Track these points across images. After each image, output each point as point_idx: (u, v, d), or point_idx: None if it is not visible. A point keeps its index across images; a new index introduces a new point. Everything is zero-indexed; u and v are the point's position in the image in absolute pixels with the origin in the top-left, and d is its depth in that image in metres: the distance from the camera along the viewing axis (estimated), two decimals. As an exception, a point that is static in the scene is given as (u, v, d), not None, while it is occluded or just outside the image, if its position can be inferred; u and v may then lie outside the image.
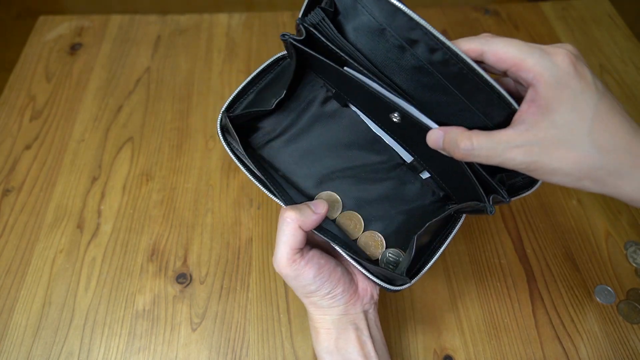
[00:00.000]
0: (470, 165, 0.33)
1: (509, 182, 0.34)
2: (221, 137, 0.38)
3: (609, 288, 0.49)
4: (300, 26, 0.34)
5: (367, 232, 0.40)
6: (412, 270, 0.35)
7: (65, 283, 0.49)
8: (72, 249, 0.51)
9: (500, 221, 0.54)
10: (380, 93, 0.34)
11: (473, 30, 0.74)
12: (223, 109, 0.37)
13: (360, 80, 0.34)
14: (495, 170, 0.33)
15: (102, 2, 1.76)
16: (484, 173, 0.33)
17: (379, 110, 0.37)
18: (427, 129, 0.33)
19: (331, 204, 0.40)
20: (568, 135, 0.27)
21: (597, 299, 0.48)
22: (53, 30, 0.73)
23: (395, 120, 0.35)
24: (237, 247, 0.52)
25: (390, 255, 0.39)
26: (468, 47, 0.30)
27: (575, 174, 0.28)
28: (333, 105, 0.41)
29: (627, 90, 0.66)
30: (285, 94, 0.38)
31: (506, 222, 0.54)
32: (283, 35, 0.35)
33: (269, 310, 0.48)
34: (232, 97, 0.39)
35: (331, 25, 0.34)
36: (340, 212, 0.40)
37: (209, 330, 0.46)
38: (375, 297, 0.38)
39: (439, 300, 0.48)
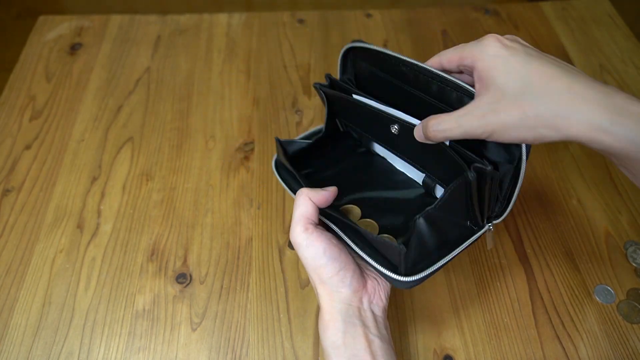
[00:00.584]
0: (456, 150, 0.38)
1: (503, 192, 0.38)
2: (275, 171, 0.47)
3: (609, 288, 0.49)
4: (326, 77, 0.47)
5: (382, 235, 0.41)
6: (419, 268, 0.37)
7: (65, 283, 0.49)
8: (72, 249, 0.51)
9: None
10: (378, 109, 0.42)
11: (473, 30, 0.75)
12: (279, 141, 0.45)
13: (361, 102, 0.43)
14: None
15: (102, 2, 1.76)
16: (467, 152, 0.37)
17: (382, 127, 0.43)
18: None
19: (352, 213, 0.44)
20: (509, 93, 0.31)
21: (597, 298, 0.48)
22: (53, 30, 0.73)
23: (395, 132, 0.42)
24: (237, 247, 0.52)
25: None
26: (432, 61, 0.39)
27: (526, 124, 0.31)
28: (364, 154, 0.50)
29: (627, 90, 0.66)
30: (324, 133, 0.48)
31: (506, 222, 0.54)
32: (315, 84, 0.47)
33: (269, 310, 0.48)
34: (298, 137, 0.50)
35: (352, 81, 0.48)
36: (358, 218, 0.44)
37: (209, 330, 0.46)
38: (384, 302, 0.39)
39: (439, 300, 0.48)
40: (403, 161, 0.46)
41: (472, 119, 0.33)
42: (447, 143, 0.38)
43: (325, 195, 0.38)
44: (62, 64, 0.69)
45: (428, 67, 0.39)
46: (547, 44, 0.73)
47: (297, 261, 0.51)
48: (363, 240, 0.39)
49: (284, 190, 0.56)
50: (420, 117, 0.39)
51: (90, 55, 0.70)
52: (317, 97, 0.65)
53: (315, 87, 0.46)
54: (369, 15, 0.76)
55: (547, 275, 0.50)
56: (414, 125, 0.39)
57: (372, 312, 0.37)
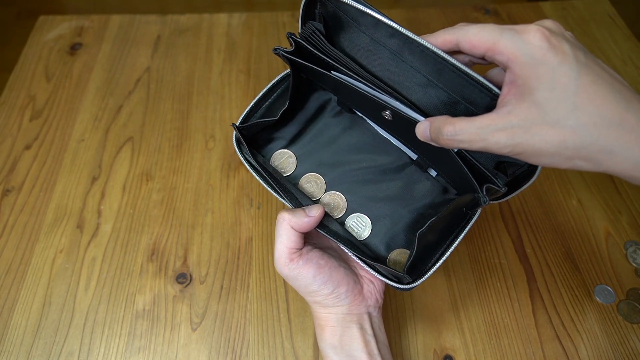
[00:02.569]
0: (464, 157, 0.33)
1: (510, 171, 0.34)
2: (237, 150, 0.40)
3: (609, 288, 0.49)
4: (290, 39, 0.38)
5: (372, 235, 0.40)
6: (421, 269, 0.36)
7: (65, 283, 0.49)
8: (72, 249, 0.51)
9: (500, 221, 0.54)
10: (369, 93, 0.35)
11: (473, 30, 0.74)
12: (237, 123, 0.39)
13: (348, 82, 0.36)
14: (496, 162, 0.34)
15: (102, 2, 1.76)
16: (477, 163, 0.33)
17: (373, 110, 0.38)
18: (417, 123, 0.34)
19: (334, 205, 0.41)
20: (550, 114, 0.26)
21: (597, 298, 0.48)
22: (53, 30, 0.73)
23: (387, 118, 0.36)
24: (237, 247, 0.52)
25: (397, 255, 0.39)
26: (443, 38, 0.30)
27: (563, 154, 0.26)
28: (340, 112, 0.43)
29: (627, 90, 0.66)
30: (289, 104, 0.40)
31: (506, 222, 0.54)
32: (275, 49, 0.38)
33: (269, 310, 0.48)
34: (244, 113, 0.41)
35: (321, 37, 0.37)
36: (344, 212, 0.41)
37: (209, 330, 0.46)
38: (380, 301, 0.38)
39: (439, 300, 0.48)
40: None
41: (499, 136, 0.27)
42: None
43: (308, 222, 0.34)
44: (62, 64, 0.69)
45: (431, 47, 0.32)
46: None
47: (297, 261, 0.51)
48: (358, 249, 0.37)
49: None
50: (420, 103, 0.35)
51: (90, 55, 0.70)
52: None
53: (276, 53, 0.39)
54: (369, 15, 0.76)
55: (547, 275, 0.50)
56: (409, 116, 0.34)
57: (369, 314, 0.37)
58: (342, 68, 0.36)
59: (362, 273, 0.39)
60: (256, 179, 0.39)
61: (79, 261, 0.50)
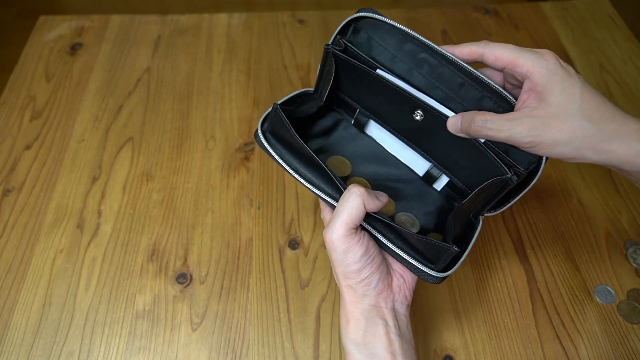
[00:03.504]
0: (486, 147, 0.37)
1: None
2: (263, 139, 0.41)
3: (609, 288, 0.49)
4: (341, 41, 0.42)
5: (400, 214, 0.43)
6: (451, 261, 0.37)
7: (66, 283, 0.49)
8: (72, 249, 0.51)
9: (500, 221, 0.54)
10: (408, 91, 0.39)
11: (473, 30, 0.74)
12: (277, 104, 0.39)
13: (390, 80, 0.40)
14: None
15: (102, 2, 1.76)
16: (495, 156, 0.37)
17: (402, 112, 0.41)
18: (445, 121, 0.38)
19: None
20: (563, 112, 0.34)
21: (597, 299, 0.48)
22: (53, 30, 0.73)
23: (417, 118, 0.40)
24: (237, 247, 0.52)
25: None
26: (469, 49, 0.38)
27: (573, 143, 0.33)
28: (352, 130, 0.47)
29: (627, 90, 0.66)
30: (324, 103, 0.44)
31: (506, 222, 0.54)
32: (327, 45, 0.41)
33: (269, 310, 0.48)
34: (283, 100, 0.43)
35: (355, 49, 0.42)
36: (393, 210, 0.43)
37: (209, 330, 0.46)
38: (409, 297, 0.39)
39: (439, 300, 0.48)
40: (400, 148, 0.45)
41: (522, 127, 0.34)
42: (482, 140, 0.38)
43: (378, 204, 0.36)
44: (62, 64, 0.69)
45: (456, 60, 0.37)
46: (547, 44, 0.73)
47: (297, 261, 0.51)
48: (396, 236, 0.38)
49: (284, 190, 0.56)
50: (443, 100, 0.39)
51: (90, 55, 0.70)
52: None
53: (327, 50, 0.41)
54: (369, 15, 0.76)
55: (547, 275, 0.50)
56: (442, 114, 0.38)
57: (395, 311, 0.37)
58: (385, 70, 0.41)
59: (394, 267, 0.39)
60: (281, 166, 0.40)
61: (79, 261, 0.50)
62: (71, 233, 0.52)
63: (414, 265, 0.37)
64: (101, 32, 0.73)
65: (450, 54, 0.38)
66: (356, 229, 0.36)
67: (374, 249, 0.37)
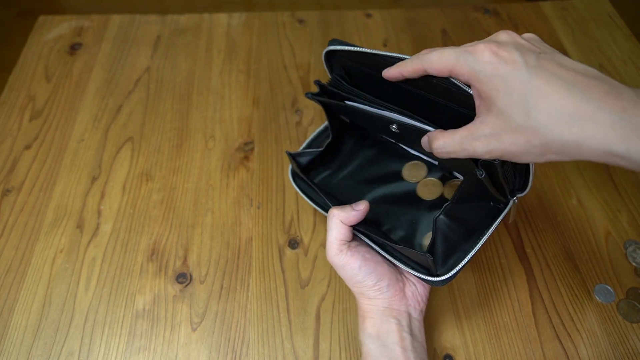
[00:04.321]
0: None
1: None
2: (292, 181, 0.50)
3: (609, 287, 0.49)
4: (317, 84, 0.45)
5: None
6: (452, 263, 0.38)
7: (65, 283, 0.49)
8: (72, 248, 0.51)
9: (500, 221, 0.54)
10: (375, 112, 0.41)
11: (473, 30, 0.75)
12: (297, 151, 0.48)
13: (356, 107, 0.42)
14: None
15: (102, 2, 1.76)
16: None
17: (384, 127, 0.42)
18: (420, 129, 0.37)
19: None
20: (513, 118, 0.28)
21: (597, 298, 0.48)
22: (53, 30, 0.73)
23: (394, 130, 0.40)
24: (237, 246, 0.52)
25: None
26: (412, 68, 0.34)
27: (533, 152, 0.28)
28: (374, 143, 0.51)
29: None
30: (332, 139, 0.49)
31: (506, 222, 0.54)
32: (307, 94, 0.45)
33: (269, 310, 0.48)
34: (304, 144, 0.52)
35: (342, 81, 0.44)
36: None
37: (209, 330, 0.46)
38: (422, 304, 0.40)
39: (439, 300, 0.48)
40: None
41: (476, 145, 0.31)
42: None
43: (355, 215, 0.39)
44: (62, 64, 0.69)
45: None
46: (547, 44, 0.73)
47: (297, 261, 0.51)
48: (390, 248, 0.40)
49: (284, 189, 0.56)
50: (418, 111, 0.38)
51: (90, 55, 0.70)
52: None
53: (307, 97, 0.46)
54: (369, 15, 0.76)
55: (547, 275, 0.50)
56: (412, 125, 0.38)
57: (409, 314, 0.39)
58: (355, 98, 0.42)
59: (407, 275, 0.41)
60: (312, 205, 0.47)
61: (79, 261, 0.50)
62: (71, 233, 0.52)
63: (414, 274, 0.39)
64: (101, 32, 0.73)
65: (399, 73, 0.36)
66: (347, 244, 0.39)
67: (373, 260, 0.39)
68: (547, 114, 0.27)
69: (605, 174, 0.58)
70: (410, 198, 0.47)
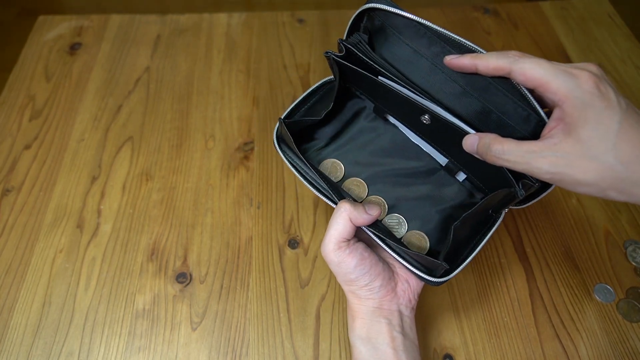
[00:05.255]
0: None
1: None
2: (277, 146, 0.42)
3: (609, 287, 0.49)
4: (341, 44, 0.41)
5: (410, 232, 0.42)
6: (453, 262, 0.38)
7: (65, 283, 0.49)
8: (72, 248, 0.51)
9: (500, 220, 0.54)
10: (411, 97, 0.38)
11: (473, 30, 0.75)
12: (281, 117, 0.41)
13: (392, 86, 0.39)
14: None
15: (102, 2, 1.76)
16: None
17: (411, 114, 0.40)
18: (457, 127, 0.37)
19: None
20: (592, 150, 0.29)
21: (597, 297, 0.48)
22: (53, 30, 0.73)
23: (425, 122, 0.39)
24: (237, 246, 0.52)
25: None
26: (495, 64, 0.33)
27: (599, 185, 0.30)
28: (375, 118, 0.46)
29: (627, 90, 0.66)
30: (332, 107, 0.43)
31: (506, 222, 0.54)
32: (326, 52, 0.41)
33: (269, 309, 0.48)
34: (288, 109, 0.45)
35: (367, 46, 0.41)
36: (385, 214, 0.43)
37: (209, 329, 0.46)
38: (413, 301, 0.40)
39: (439, 299, 0.48)
40: (419, 139, 0.44)
41: (542, 162, 0.31)
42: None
43: (366, 219, 0.37)
44: (61, 64, 0.69)
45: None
46: (547, 44, 0.73)
47: (297, 261, 0.51)
48: (397, 247, 0.38)
49: (284, 189, 0.56)
50: (456, 109, 0.37)
51: (89, 55, 0.70)
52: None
53: (327, 57, 0.41)
54: (368, 15, 0.76)
55: (546, 275, 0.50)
56: (447, 120, 0.37)
57: (400, 312, 0.38)
58: (387, 74, 0.39)
59: (398, 272, 0.40)
60: (297, 177, 0.42)
61: (78, 261, 0.50)
62: (71, 233, 0.52)
63: (416, 273, 0.38)
64: (101, 32, 0.73)
65: (473, 65, 0.34)
66: (347, 242, 0.37)
67: (370, 259, 0.38)
68: (627, 154, 0.29)
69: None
70: (420, 175, 0.43)
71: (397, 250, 0.38)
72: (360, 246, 0.38)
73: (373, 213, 0.37)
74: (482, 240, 0.39)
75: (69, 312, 0.47)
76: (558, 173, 0.30)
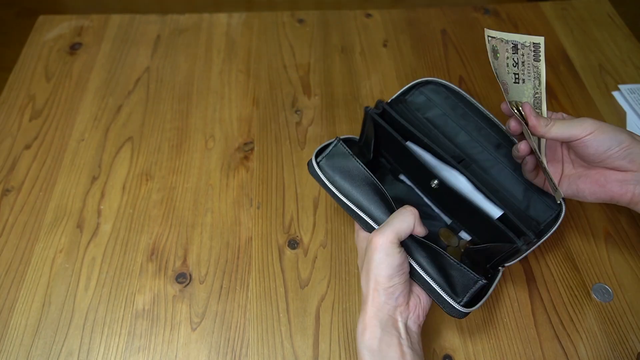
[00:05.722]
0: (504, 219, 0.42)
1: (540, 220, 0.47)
2: (315, 165, 0.46)
3: (607, 287, 0.49)
4: (380, 104, 0.47)
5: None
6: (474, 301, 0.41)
7: (65, 283, 0.49)
8: (72, 248, 0.51)
9: (499, 221, 0.54)
10: (427, 164, 0.44)
11: (473, 30, 0.75)
12: (339, 138, 0.46)
13: (415, 152, 0.45)
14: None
15: (102, 2, 1.75)
16: (506, 226, 0.41)
17: (425, 177, 0.46)
18: (460, 195, 0.43)
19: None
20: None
21: (595, 297, 0.48)
22: (53, 30, 0.73)
23: (433, 186, 0.44)
24: (236, 246, 0.52)
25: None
26: (556, 135, 0.43)
27: (621, 137, 0.41)
28: (390, 175, 0.52)
29: (627, 90, 0.66)
30: (371, 161, 0.50)
31: (505, 222, 0.54)
32: (366, 107, 0.47)
33: (268, 310, 0.48)
34: (345, 136, 0.50)
35: (395, 113, 0.46)
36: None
37: (208, 329, 0.46)
38: (421, 318, 0.41)
39: (439, 300, 0.48)
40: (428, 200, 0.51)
41: (586, 123, 0.41)
42: (495, 217, 0.42)
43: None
44: (61, 64, 0.69)
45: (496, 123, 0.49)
46: (546, 44, 0.73)
47: (296, 261, 0.51)
48: (430, 264, 0.41)
49: (284, 189, 0.56)
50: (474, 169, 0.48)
51: (90, 55, 0.70)
52: (317, 97, 0.65)
53: (366, 111, 0.47)
54: (369, 15, 0.76)
55: (546, 275, 0.50)
56: (454, 188, 0.43)
57: (407, 327, 0.39)
58: (417, 134, 0.45)
59: (412, 289, 0.41)
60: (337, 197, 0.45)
61: (78, 261, 0.50)
62: (71, 233, 0.52)
63: (439, 294, 0.40)
64: (101, 32, 0.73)
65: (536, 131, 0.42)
66: (400, 242, 0.39)
67: (407, 265, 0.40)
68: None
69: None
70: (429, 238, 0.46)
71: (436, 260, 0.41)
72: (404, 251, 0.40)
73: (426, 231, 0.41)
74: (485, 294, 0.42)
75: (68, 312, 0.47)
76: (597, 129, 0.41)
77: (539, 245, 0.47)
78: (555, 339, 0.46)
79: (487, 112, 0.50)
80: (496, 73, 0.46)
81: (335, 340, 0.46)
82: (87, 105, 0.64)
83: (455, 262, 0.40)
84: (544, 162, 0.44)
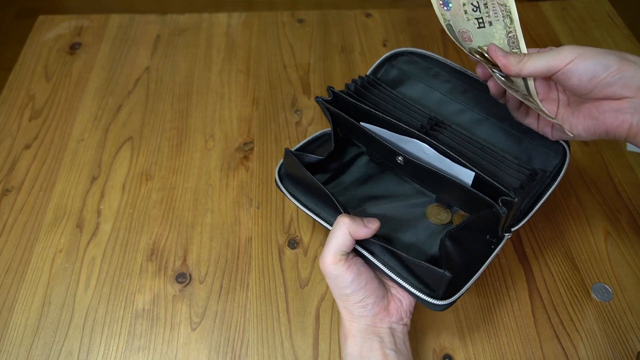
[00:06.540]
0: (481, 178, 0.39)
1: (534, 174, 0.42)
2: (279, 181, 0.46)
3: (606, 286, 0.49)
4: (329, 90, 0.45)
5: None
6: (455, 287, 0.38)
7: (65, 283, 0.49)
8: (72, 248, 0.51)
9: (499, 221, 0.54)
10: (385, 140, 0.42)
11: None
12: (288, 150, 0.44)
13: (368, 129, 0.42)
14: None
15: (102, 2, 1.75)
16: (494, 182, 0.38)
17: (389, 155, 0.44)
18: (428, 167, 0.40)
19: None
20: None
21: (594, 296, 0.48)
22: (52, 30, 0.73)
23: (400, 162, 0.43)
24: (236, 246, 0.52)
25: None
26: (538, 69, 0.40)
27: (613, 56, 0.39)
28: (370, 162, 0.49)
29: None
30: (334, 149, 0.46)
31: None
32: (316, 98, 0.45)
33: (268, 309, 0.48)
34: (298, 146, 0.48)
35: (347, 96, 0.44)
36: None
37: (208, 329, 0.46)
38: (405, 319, 0.39)
39: (438, 300, 0.48)
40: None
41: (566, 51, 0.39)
42: (470, 182, 0.39)
43: (366, 232, 0.37)
44: (61, 64, 0.69)
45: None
46: (546, 44, 0.73)
47: (296, 261, 0.51)
48: (397, 263, 0.39)
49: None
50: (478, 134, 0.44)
51: (89, 55, 0.70)
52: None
53: (317, 102, 0.45)
54: (368, 15, 0.76)
55: (546, 275, 0.50)
56: (420, 160, 0.40)
57: (392, 329, 0.38)
58: (376, 112, 0.42)
59: (392, 291, 0.40)
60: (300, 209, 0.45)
61: (78, 261, 0.50)
62: (70, 232, 0.52)
63: (415, 294, 0.38)
64: (100, 32, 0.73)
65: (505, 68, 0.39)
66: (346, 256, 0.37)
67: (366, 275, 0.38)
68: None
69: (605, 174, 0.58)
70: (415, 220, 0.45)
71: (397, 268, 0.39)
72: (357, 261, 0.38)
73: (372, 226, 0.37)
74: (480, 265, 0.39)
75: (68, 311, 0.47)
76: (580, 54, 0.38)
77: (547, 198, 0.42)
78: (555, 339, 0.46)
79: (471, 73, 0.45)
80: (449, 26, 0.41)
81: (335, 340, 0.46)
82: (86, 105, 0.64)
83: (414, 260, 0.36)
84: (539, 103, 0.39)
